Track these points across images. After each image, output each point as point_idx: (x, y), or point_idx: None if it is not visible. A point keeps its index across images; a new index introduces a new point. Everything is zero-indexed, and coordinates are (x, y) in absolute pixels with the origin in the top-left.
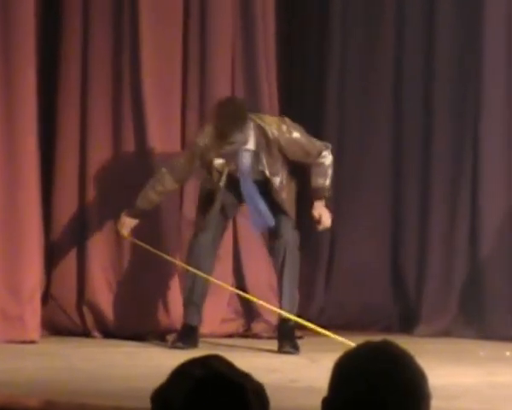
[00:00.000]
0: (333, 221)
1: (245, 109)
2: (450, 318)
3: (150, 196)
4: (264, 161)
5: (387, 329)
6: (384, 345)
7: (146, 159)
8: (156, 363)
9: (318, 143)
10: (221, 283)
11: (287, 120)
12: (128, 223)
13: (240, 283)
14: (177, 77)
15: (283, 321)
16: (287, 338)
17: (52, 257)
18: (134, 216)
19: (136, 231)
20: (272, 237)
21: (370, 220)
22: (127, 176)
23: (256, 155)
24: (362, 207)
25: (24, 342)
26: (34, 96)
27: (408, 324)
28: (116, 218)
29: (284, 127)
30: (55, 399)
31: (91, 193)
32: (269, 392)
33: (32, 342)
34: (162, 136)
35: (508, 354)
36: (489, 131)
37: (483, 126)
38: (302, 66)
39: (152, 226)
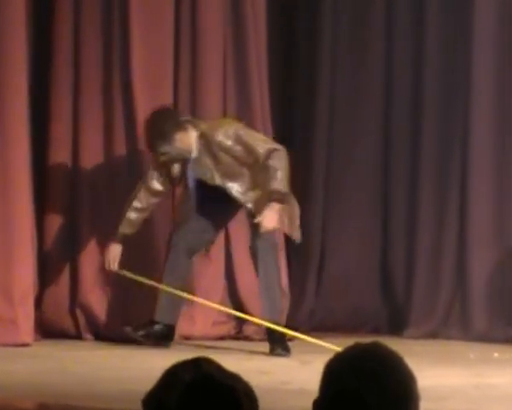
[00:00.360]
0: (323, 226)
1: (170, 122)
2: (438, 320)
3: (130, 216)
4: (212, 167)
5: (377, 331)
6: (373, 347)
7: (137, 164)
8: (148, 365)
9: (268, 146)
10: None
11: (237, 124)
12: (116, 255)
13: (232, 285)
14: (168, 79)
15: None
16: (277, 341)
17: (45, 260)
18: (120, 242)
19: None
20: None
21: (359, 225)
22: (118, 181)
23: (198, 161)
24: (351, 212)
25: (17, 345)
26: (25, 102)
27: (397, 326)
28: (107, 223)
29: (231, 130)
30: (48, 401)
31: (83, 198)
32: (260, 394)
33: (25, 344)
34: None
35: (496, 355)
36: (478, 135)
37: (471, 130)
38: (292, 69)
39: (145, 239)
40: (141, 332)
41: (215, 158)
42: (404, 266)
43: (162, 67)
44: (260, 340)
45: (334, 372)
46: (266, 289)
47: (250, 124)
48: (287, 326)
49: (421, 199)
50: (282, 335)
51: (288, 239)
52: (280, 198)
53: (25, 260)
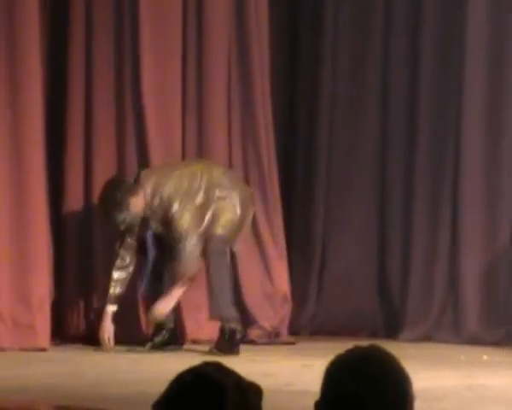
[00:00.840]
0: (323, 235)
1: (121, 193)
2: (432, 323)
3: (117, 276)
4: (158, 222)
5: (374, 334)
6: (371, 350)
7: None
8: (160, 368)
9: (185, 228)
10: None
11: (177, 182)
12: (110, 333)
13: (237, 292)
14: (176, 92)
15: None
16: (222, 340)
17: (60, 268)
18: (114, 304)
19: None
20: None
21: (357, 234)
22: None
23: (146, 220)
24: (350, 219)
25: (34, 349)
26: (40, 112)
27: (393, 329)
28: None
29: (165, 194)
30: (64, 404)
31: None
32: (265, 395)
33: (43, 349)
34: (162, 150)
35: (485, 357)
36: (470, 141)
37: (464, 138)
38: (293, 75)
39: None
40: (148, 345)
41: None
42: (399, 272)
43: (171, 79)
44: (264, 344)
45: (335, 375)
46: (211, 291)
47: (253, 129)
48: (289, 330)
49: (416, 209)
50: (227, 335)
51: (289, 248)
52: (181, 279)
53: (41, 267)
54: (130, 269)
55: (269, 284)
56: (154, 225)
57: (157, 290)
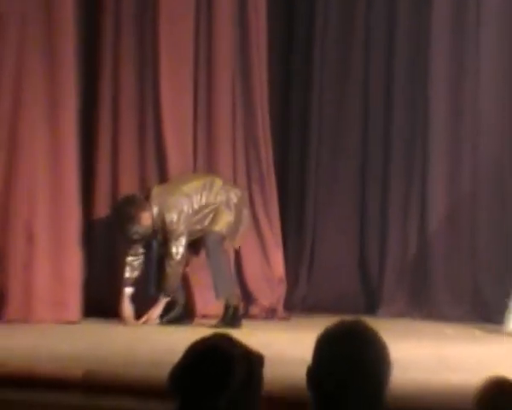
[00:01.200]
0: (313, 227)
1: (134, 209)
2: (405, 301)
3: (131, 262)
4: (161, 237)
5: (356, 311)
6: (355, 323)
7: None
8: (176, 338)
9: (174, 250)
10: None
11: (178, 205)
12: (130, 313)
13: (240, 275)
14: (189, 109)
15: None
16: (226, 316)
17: (89, 252)
18: (131, 286)
19: None
20: None
21: (342, 222)
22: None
23: (154, 233)
24: (335, 210)
25: (68, 322)
26: (75, 137)
27: (372, 307)
28: None
29: (165, 216)
30: (94, 369)
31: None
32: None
33: (74, 322)
34: (178, 153)
35: (449, 331)
36: (436, 133)
37: (431, 131)
38: (286, 81)
39: None
40: (164, 319)
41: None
42: (377, 257)
43: (184, 98)
44: (263, 318)
45: (324, 345)
46: (212, 275)
47: (253, 136)
48: (284, 308)
49: (390, 201)
50: (230, 313)
51: (284, 237)
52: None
53: (73, 251)
54: (142, 257)
55: (267, 269)
56: (159, 237)
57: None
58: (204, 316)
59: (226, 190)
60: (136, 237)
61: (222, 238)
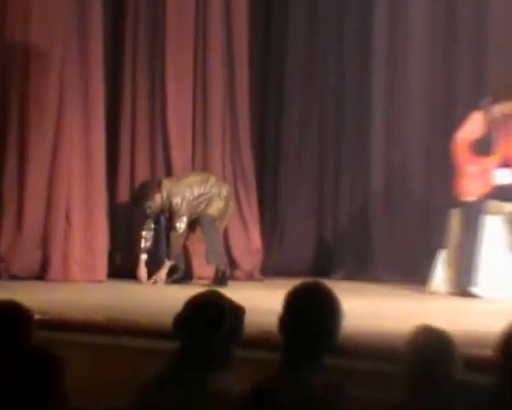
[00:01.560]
0: (283, 210)
1: (148, 190)
2: (352, 267)
3: (145, 234)
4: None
5: (315, 275)
6: (315, 283)
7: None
8: (179, 294)
9: (178, 225)
10: None
11: (183, 191)
12: (144, 272)
13: (227, 247)
14: (189, 122)
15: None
16: (216, 278)
17: (114, 225)
18: (145, 254)
19: None
20: None
21: (305, 205)
22: None
23: (162, 212)
24: (300, 197)
25: (96, 281)
26: (103, 141)
27: (327, 271)
28: None
29: (179, 200)
30: (115, 316)
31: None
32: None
33: (101, 281)
34: (181, 155)
35: (385, 290)
36: (376, 123)
37: (372, 125)
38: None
39: None
40: (169, 279)
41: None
42: (330, 231)
43: (186, 114)
44: (244, 280)
45: (292, 299)
46: (206, 244)
47: (237, 142)
48: (260, 272)
49: (342, 185)
50: (220, 275)
51: (261, 219)
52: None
53: (101, 227)
54: (153, 231)
55: (247, 242)
56: (166, 215)
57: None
58: (199, 278)
59: (218, 185)
60: (148, 211)
61: (213, 219)
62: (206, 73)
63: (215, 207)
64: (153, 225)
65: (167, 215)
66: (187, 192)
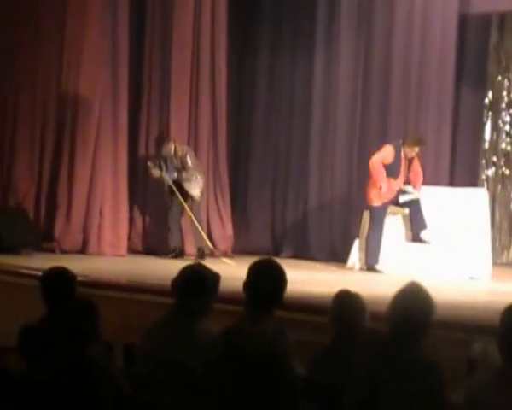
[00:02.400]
0: (249, 205)
1: (168, 140)
2: (294, 247)
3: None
4: (173, 167)
5: (269, 253)
6: (269, 259)
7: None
8: (177, 265)
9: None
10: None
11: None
12: (156, 171)
13: (209, 234)
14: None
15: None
16: (198, 255)
17: (133, 212)
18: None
19: None
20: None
21: (263, 201)
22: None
23: (171, 160)
24: (261, 197)
25: (119, 255)
26: (126, 160)
27: (277, 251)
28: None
29: (190, 154)
30: (132, 279)
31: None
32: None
33: (123, 256)
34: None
35: (318, 266)
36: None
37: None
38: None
39: None
40: (170, 255)
41: (180, 163)
42: (281, 222)
43: (184, 126)
44: (220, 257)
45: (253, 268)
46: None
47: (216, 144)
48: (231, 252)
49: (290, 185)
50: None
51: (232, 212)
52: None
53: (123, 219)
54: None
55: (222, 229)
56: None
57: None
58: (188, 255)
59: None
60: (163, 152)
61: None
62: (198, 106)
63: (200, 190)
64: (164, 167)
65: (178, 163)
66: (191, 158)
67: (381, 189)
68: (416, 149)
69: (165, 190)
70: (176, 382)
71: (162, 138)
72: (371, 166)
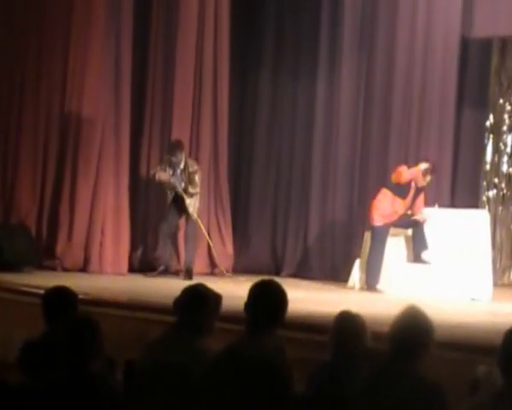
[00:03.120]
0: (249, 228)
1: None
2: (294, 268)
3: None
4: (181, 177)
5: (270, 274)
6: (270, 280)
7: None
8: (172, 284)
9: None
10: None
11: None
12: (162, 174)
13: (211, 254)
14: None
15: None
16: (188, 272)
17: (134, 233)
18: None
19: None
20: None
21: (264, 225)
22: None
23: (182, 172)
24: (261, 218)
25: (120, 274)
26: (127, 181)
27: (278, 271)
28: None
29: (199, 173)
30: (133, 297)
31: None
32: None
33: (124, 275)
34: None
35: (318, 285)
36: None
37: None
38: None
39: None
40: (156, 273)
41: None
42: (281, 244)
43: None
44: (221, 276)
45: (254, 290)
46: (188, 245)
47: (217, 158)
48: (232, 271)
49: (291, 211)
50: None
51: (233, 235)
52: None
53: (124, 238)
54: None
55: (224, 249)
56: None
57: None
58: (176, 272)
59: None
60: (174, 159)
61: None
62: (200, 125)
63: (197, 209)
64: (171, 172)
65: (186, 174)
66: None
67: (383, 210)
68: (428, 179)
69: (168, 199)
70: (175, 395)
71: (177, 145)
72: (402, 175)
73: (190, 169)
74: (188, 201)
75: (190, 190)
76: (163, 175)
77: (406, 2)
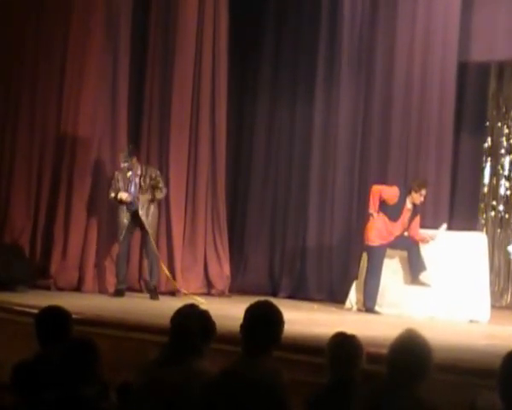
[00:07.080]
0: (246, 248)
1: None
2: (292, 288)
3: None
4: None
5: (267, 294)
6: (265, 301)
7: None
8: (166, 305)
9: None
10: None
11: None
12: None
13: (206, 274)
14: (185, 154)
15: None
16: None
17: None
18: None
19: None
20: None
21: (261, 245)
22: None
23: (139, 183)
24: (258, 238)
25: (107, 294)
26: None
27: (274, 292)
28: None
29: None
30: (126, 317)
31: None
32: (216, 320)
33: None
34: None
35: (316, 306)
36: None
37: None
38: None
39: None
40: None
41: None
42: (278, 264)
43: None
44: (217, 296)
45: (250, 310)
46: (149, 264)
47: (214, 170)
48: (228, 291)
49: (287, 230)
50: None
51: (230, 254)
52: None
53: (111, 271)
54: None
55: (220, 270)
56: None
57: None
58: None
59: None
60: (126, 165)
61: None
62: (197, 148)
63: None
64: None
65: (148, 180)
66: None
67: (373, 216)
68: (423, 193)
69: (123, 217)
70: None
71: (132, 151)
72: (370, 190)
73: (153, 175)
74: (143, 218)
75: (158, 195)
76: (124, 195)
77: (404, 25)
